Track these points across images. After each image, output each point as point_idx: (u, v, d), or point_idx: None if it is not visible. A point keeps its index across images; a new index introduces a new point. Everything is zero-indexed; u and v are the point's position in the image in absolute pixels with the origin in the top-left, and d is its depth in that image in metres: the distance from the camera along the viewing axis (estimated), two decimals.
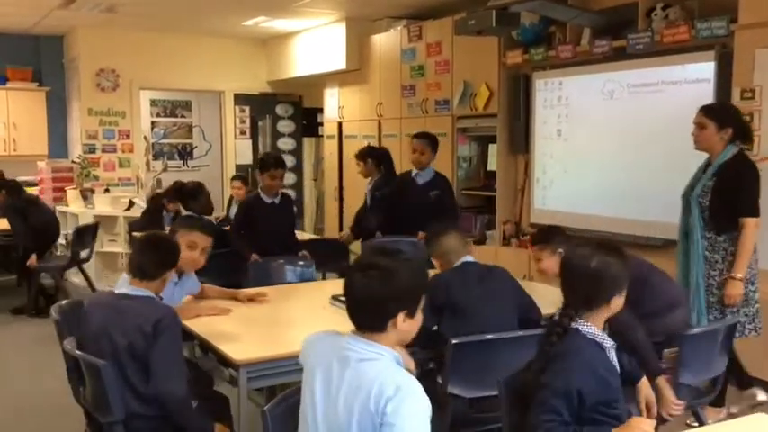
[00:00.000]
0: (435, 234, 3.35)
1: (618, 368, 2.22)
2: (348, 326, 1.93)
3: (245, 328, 3.20)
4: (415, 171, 5.38)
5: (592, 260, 2.19)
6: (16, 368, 5.14)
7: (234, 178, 7.46)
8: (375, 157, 5.90)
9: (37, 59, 9.21)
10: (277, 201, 5.04)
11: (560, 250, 3.22)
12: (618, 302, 2.22)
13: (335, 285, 4.01)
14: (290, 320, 3.57)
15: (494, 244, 6.49)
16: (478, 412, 2.91)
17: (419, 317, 1.93)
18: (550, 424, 2.04)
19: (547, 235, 3.48)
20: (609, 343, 2.19)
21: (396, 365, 1.85)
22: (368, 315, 1.88)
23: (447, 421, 2.84)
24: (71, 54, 9.08)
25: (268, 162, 5.04)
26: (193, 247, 3.35)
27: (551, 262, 3.27)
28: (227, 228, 5.73)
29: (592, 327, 2.17)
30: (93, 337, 2.67)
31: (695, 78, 4.92)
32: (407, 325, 1.89)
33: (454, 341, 2.80)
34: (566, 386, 2.06)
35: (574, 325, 2.16)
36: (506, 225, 6.42)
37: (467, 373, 2.86)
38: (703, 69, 4.85)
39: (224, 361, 2.83)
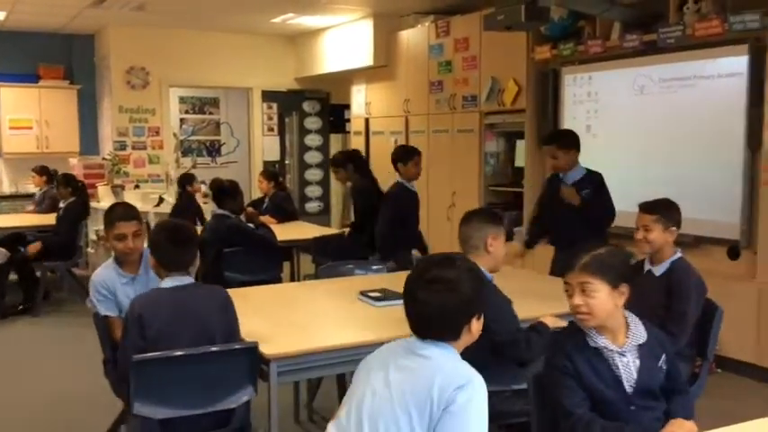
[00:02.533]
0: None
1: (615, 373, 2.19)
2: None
3: (274, 324, 3.22)
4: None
5: None
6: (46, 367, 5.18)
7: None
8: (353, 161, 5.89)
9: (68, 58, 9.35)
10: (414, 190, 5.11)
11: (673, 228, 3.15)
12: None
13: (363, 281, 4.04)
14: (318, 316, 3.57)
15: (522, 240, 6.43)
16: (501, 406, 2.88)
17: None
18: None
19: (669, 209, 3.20)
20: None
21: (460, 358, 1.84)
22: (441, 328, 1.84)
23: None
24: (101, 52, 9.20)
25: (414, 149, 5.10)
26: (123, 238, 3.21)
27: (662, 237, 3.13)
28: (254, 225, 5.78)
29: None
30: (166, 333, 2.64)
31: (728, 72, 4.85)
32: (479, 325, 1.89)
33: None
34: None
35: None
36: None
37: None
38: (736, 63, 4.79)
39: None
